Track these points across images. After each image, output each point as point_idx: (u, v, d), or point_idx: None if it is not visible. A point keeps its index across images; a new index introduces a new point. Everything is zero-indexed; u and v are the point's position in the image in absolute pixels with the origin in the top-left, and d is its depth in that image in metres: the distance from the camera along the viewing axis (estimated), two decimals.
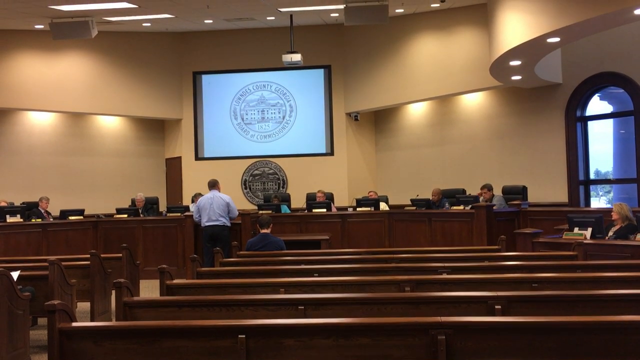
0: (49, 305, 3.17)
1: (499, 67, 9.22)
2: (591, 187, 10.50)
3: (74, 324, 3.26)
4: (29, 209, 10.38)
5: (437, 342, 2.99)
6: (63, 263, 6.06)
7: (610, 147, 10.78)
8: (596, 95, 10.32)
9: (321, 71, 13.50)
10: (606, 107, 10.60)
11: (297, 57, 11.10)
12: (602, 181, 11.00)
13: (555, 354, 3.00)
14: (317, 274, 5.19)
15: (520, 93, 10.92)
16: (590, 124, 10.35)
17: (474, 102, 11.84)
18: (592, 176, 10.48)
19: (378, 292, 4.41)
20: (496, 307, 3.65)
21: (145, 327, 3.32)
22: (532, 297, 3.85)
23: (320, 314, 3.77)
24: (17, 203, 10.74)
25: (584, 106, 10.29)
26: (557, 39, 7.85)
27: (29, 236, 9.57)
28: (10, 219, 9.55)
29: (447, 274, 5.04)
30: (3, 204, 10.25)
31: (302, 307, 3.81)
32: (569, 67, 10.22)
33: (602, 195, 11.22)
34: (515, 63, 8.88)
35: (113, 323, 3.91)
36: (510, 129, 11.17)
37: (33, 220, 10.01)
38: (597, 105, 10.46)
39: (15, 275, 5.17)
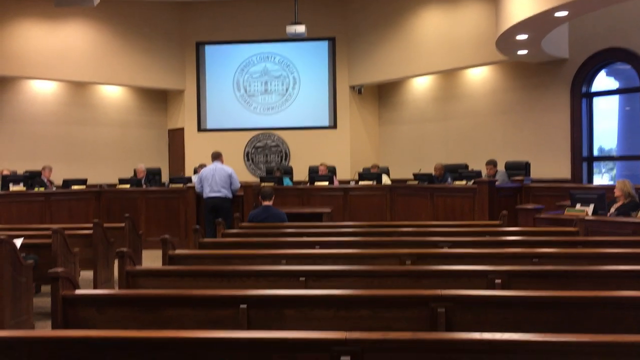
0: (52, 273, 3.19)
1: (505, 41, 9.12)
2: (594, 163, 10.46)
3: (77, 292, 3.28)
4: (32, 178, 10.38)
5: (436, 315, 3.01)
6: (66, 232, 6.10)
7: (615, 123, 10.70)
8: (602, 71, 10.22)
9: (325, 43, 13.37)
10: (612, 84, 10.51)
11: (301, 29, 10.99)
12: (606, 158, 10.96)
13: (554, 328, 3.01)
14: (318, 246, 5.20)
15: (526, 68, 10.82)
16: (595, 100, 10.28)
17: (479, 77, 11.74)
18: (595, 153, 10.44)
19: (379, 265, 4.42)
20: (496, 281, 3.67)
21: (147, 296, 3.34)
22: (532, 272, 3.85)
23: (321, 286, 3.80)
24: (20, 172, 10.74)
25: (590, 82, 10.20)
26: (565, 13, 7.75)
27: (32, 205, 9.60)
28: (13, 188, 9.57)
29: (448, 248, 5.06)
30: (6, 172, 10.26)
31: (303, 279, 3.83)
32: (576, 42, 10.11)
33: (605, 172, 11.18)
34: (521, 37, 8.79)
35: (116, 291, 3.94)
36: (515, 104, 11.09)
37: (36, 189, 10.02)
38: (603, 81, 10.36)
39: (18, 242, 5.19)
